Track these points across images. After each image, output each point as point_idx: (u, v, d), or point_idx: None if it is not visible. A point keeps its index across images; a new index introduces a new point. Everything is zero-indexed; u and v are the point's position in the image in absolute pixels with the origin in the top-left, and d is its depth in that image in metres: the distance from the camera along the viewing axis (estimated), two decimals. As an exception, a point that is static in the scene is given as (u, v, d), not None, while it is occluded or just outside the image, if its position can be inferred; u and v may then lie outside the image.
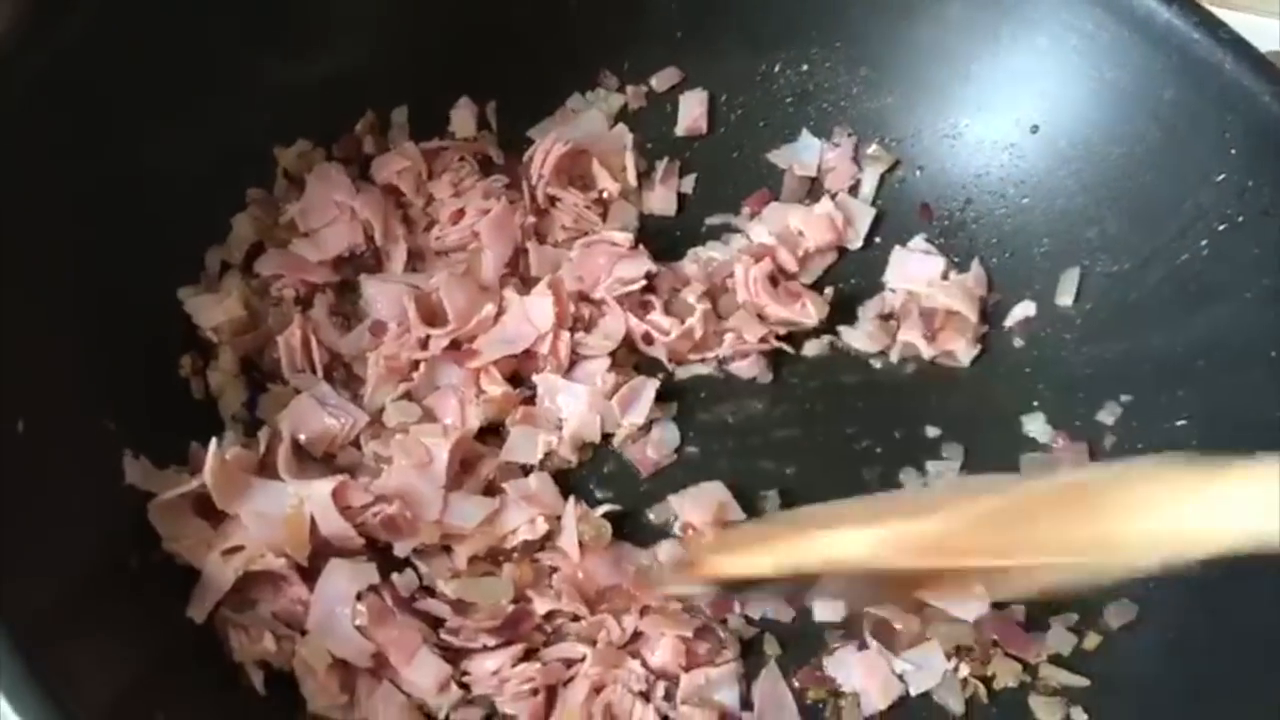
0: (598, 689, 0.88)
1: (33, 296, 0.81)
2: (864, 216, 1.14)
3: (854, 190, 1.16)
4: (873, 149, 1.16)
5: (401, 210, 1.06)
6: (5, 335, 0.77)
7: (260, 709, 0.84)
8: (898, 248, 1.13)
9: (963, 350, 1.08)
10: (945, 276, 1.11)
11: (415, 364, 0.98)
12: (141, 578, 0.82)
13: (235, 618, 0.85)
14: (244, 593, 0.86)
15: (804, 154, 1.16)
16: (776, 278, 1.09)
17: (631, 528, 0.98)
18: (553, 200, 1.09)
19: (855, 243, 1.14)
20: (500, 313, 1.00)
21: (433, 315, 0.99)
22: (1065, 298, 1.07)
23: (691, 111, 1.17)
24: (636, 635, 0.91)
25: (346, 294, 1.02)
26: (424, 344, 0.98)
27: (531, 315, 1.00)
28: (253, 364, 0.98)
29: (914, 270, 1.12)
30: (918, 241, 1.14)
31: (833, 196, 1.14)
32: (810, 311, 1.07)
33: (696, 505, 0.98)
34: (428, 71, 1.10)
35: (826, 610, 0.95)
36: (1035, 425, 1.05)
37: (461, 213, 1.05)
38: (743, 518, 0.98)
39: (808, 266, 1.12)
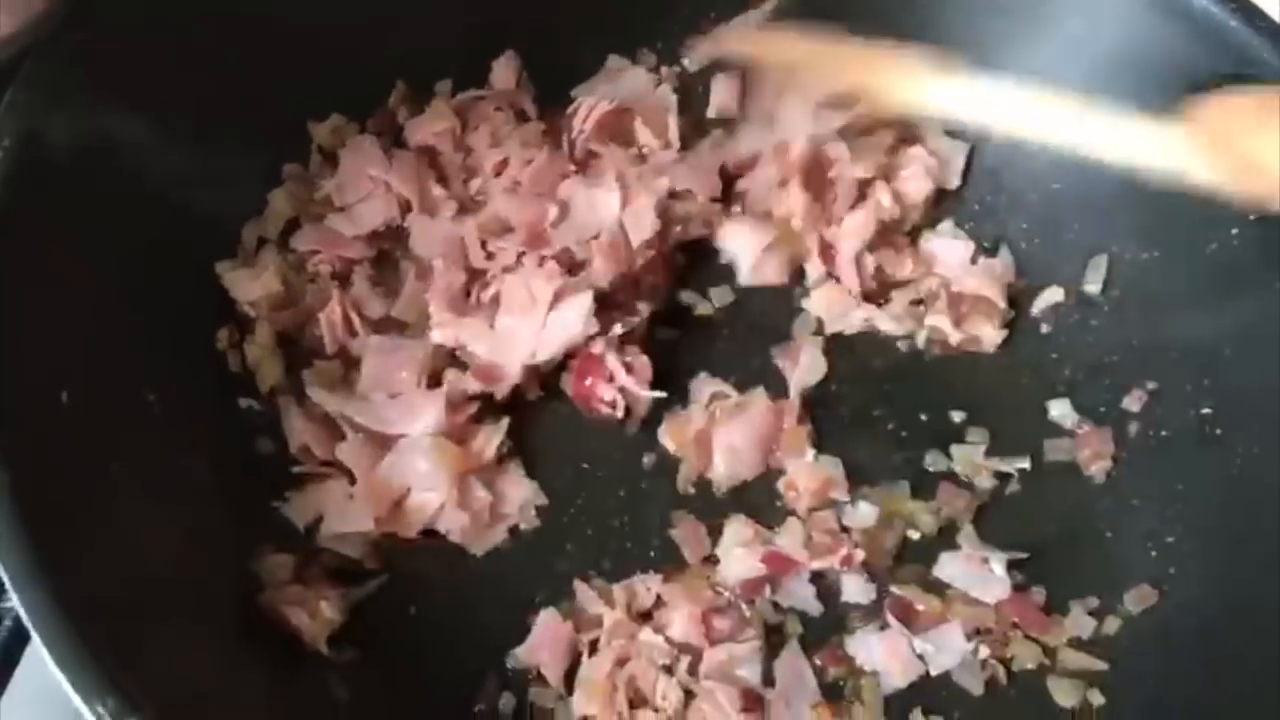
0: (621, 661, 0.89)
1: (72, 271, 0.82)
2: (957, 154, 1.14)
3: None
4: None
5: (435, 171, 1.06)
6: (47, 310, 0.78)
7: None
8: (927, 232, 1.14)
9: (989, 335, 1.08)
10: (974, 261, 1.11)
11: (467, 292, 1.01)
12: (175, 537, 0.84)
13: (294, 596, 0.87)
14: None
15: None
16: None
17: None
18: (591, 154, 1.10)
19: (953, 182, 1.14)
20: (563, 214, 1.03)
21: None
22: (1093, 284, 1.08)
23: (722, 94, 1.17)
24: (659, 603, 0.93)
25: (385, 266, 1.03)
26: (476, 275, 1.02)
27: (597, 206, 1.03)
28: (290, 339, 0.99)
29: (943, 255, 1.12)
30: (946, 226, 1.14)
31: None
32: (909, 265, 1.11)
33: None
34: (458, 43, 1.10)
35: (855, 591, 0.97)
36: (1060, 410, 1.05)
37: (505, 163, 1.06)
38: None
39: (909, 216, 1.13)
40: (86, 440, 0.78)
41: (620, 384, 0.99)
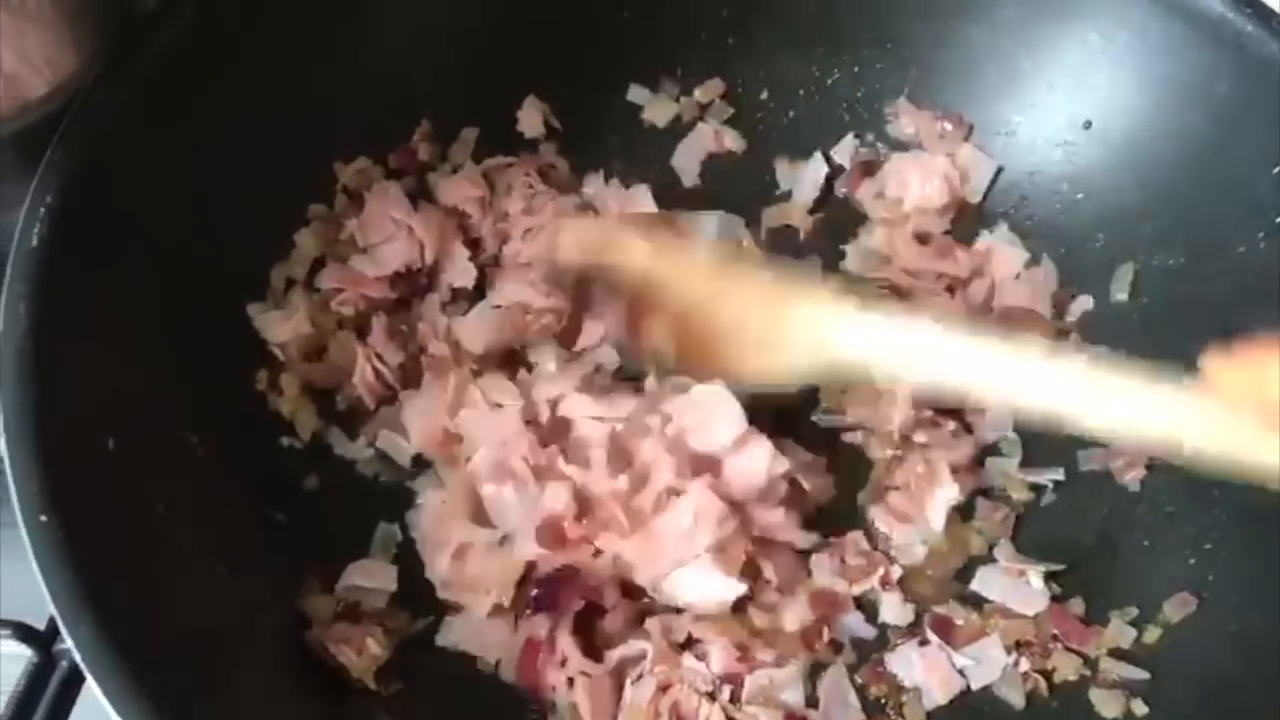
0: (664, 688, 0.90)
1: (112, 321, 0.84)
2: (983, 167, 1.14)
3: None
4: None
5: (464, 232, 1.08)
6: (89, 359, 0.80)
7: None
8: (984, 232, 1.14)
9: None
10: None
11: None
12: (224, 578, 0.85)
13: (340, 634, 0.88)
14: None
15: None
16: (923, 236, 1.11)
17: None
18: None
19: (975, 197, 1.14)
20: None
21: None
22: (1121, 293, 1.07)
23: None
24: (693, 641, 0.93)
25: (401, 314, 1.04)
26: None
27: None
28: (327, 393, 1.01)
29: (996, 259, 1.12)
30: (1003, 231, 1.13)
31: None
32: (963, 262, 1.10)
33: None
34: (481, 79, 1.12)
35: (894, 610, 0.97)
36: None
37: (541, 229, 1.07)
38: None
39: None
40: (133, 484, 0.80)
41: (576, 667, 0.91)
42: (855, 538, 0.99)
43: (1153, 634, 0.95)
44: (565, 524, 0.92)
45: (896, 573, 0.98)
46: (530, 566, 0.93)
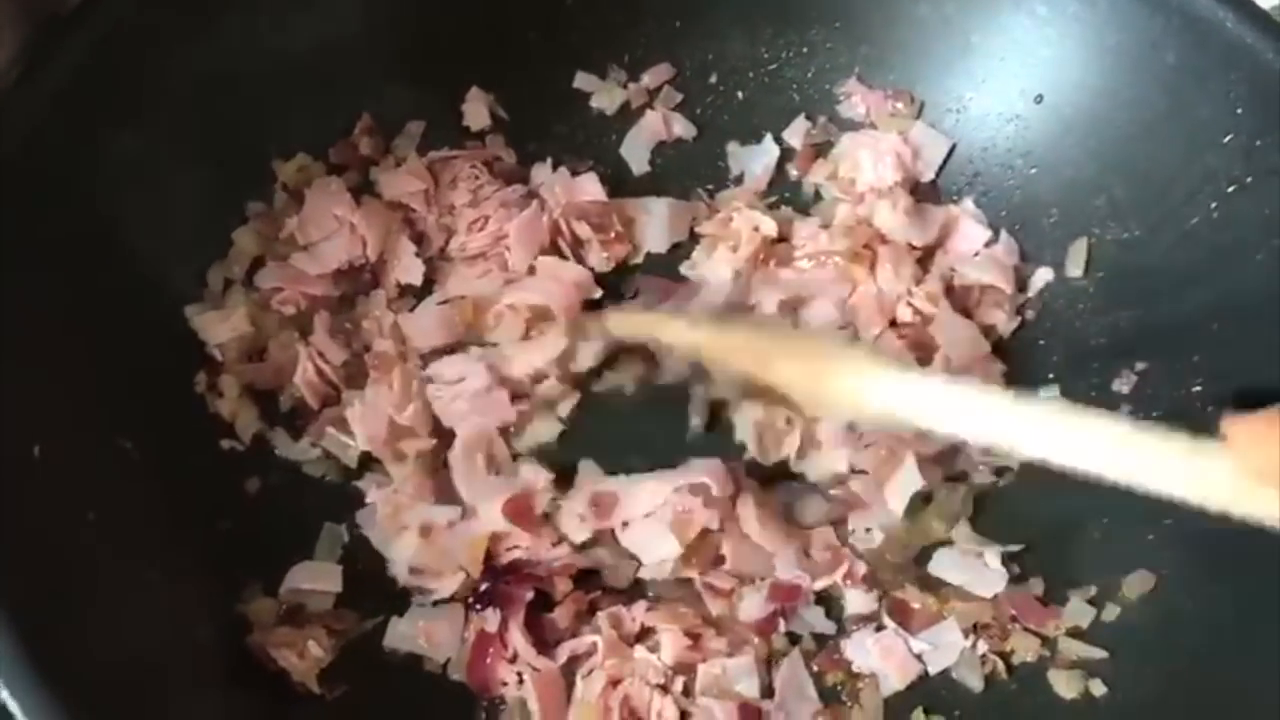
0: (615, 682, 0.89)
1: (38, 322, 0.82)
2: (935, 145, 1.13)
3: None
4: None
5: (410, 226, 1.06)
6: (12, 363, 0.79)
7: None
8: (951, 205, 1.12)
9: (1003, 322, 1.07)
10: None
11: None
12: (161, 587, 0.84)
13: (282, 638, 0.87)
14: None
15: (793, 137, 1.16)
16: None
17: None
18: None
19: (928, 174, 1.13)
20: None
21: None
22: (1075, 268, 1.06)
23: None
24: (647, 631, 0.92)
25: (345, 312, 1.03)
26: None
27: None
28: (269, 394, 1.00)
29: (964, 237, 1.10)
30: (968, 205, 1.12)
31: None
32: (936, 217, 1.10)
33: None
34: (423, 70, 1.10)
35: (858, 603, 0.96)
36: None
37: (486, 220, 1.06)
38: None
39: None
40: (61, 493, 0.78)
41: (526, 662, 0.90)
42: (824, 533, 0.98)
43: (1112, 612, 0.94)
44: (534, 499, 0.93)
45: (861, 569, 0.97)
46: (495, 542, 0.92)
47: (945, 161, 1.13)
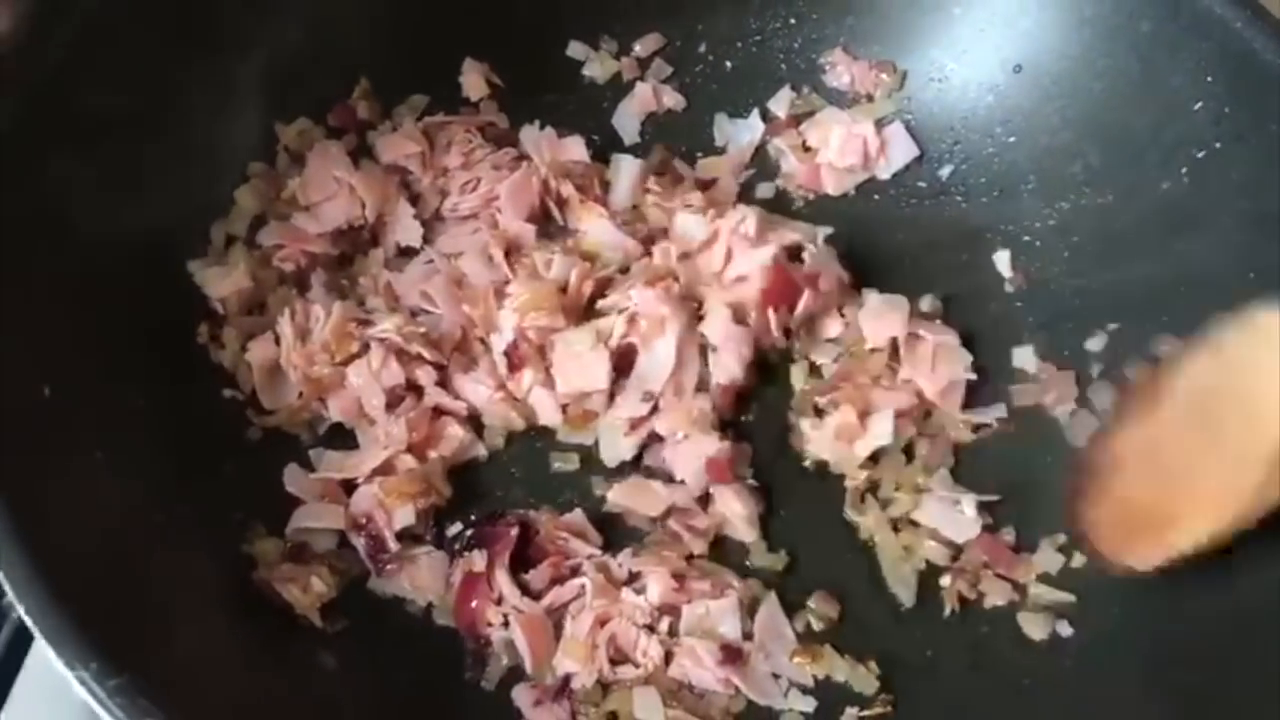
0: (602, 621, 0.91)
1: (49, 271, 0.86)
2: (901, 149, 1.16)
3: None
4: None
5: (407, 188, 1.09)
6: (25, 307, 0.82)
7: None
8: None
9: None
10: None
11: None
12: (168, 525, 0.86)
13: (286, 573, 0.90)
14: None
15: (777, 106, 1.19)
16: None
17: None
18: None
19: (884, 173, 1.16)
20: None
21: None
22: (1052, 232, 1.09)
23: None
24: (634, 577, 0.95)
25: (343, 269, 1.06)
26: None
27: None
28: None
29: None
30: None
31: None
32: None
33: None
34: (421, 38, 1.13)
35: None
36: (1024, 357, 1.07)
37: (478, 182, 1.09)
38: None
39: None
40: (70, 432, 0.81)
41: (512, 604, 0.92)
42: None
43: (1080, 559, 0.97)
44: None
45: None
46: None
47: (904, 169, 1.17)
